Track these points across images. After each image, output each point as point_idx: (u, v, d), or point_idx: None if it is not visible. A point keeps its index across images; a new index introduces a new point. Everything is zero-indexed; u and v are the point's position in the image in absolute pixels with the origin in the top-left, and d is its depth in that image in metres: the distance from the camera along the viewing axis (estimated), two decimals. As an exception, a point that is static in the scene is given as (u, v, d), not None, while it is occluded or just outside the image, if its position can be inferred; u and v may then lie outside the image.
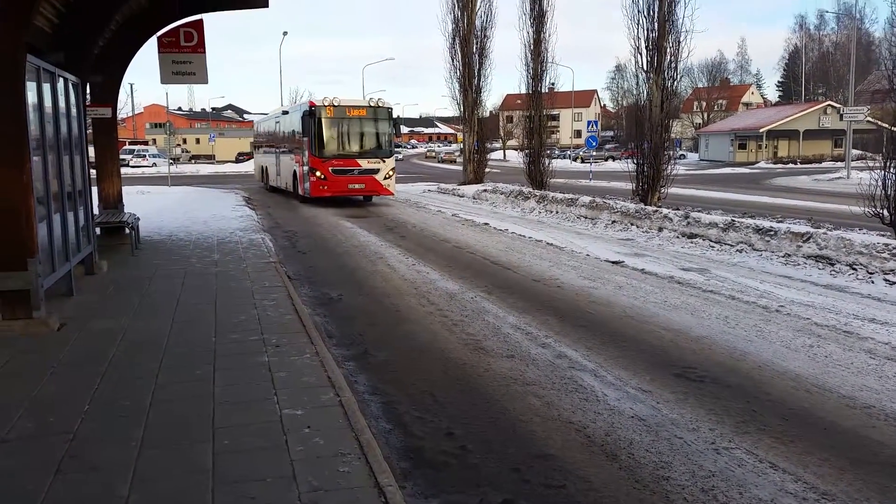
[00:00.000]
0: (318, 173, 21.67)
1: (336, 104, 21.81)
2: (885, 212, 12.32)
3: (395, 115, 23.09)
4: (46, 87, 8.01)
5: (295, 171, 24.26)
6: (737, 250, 12.31)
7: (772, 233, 12.25)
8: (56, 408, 5.02)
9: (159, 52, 12.92)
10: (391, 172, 22.69)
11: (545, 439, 4.84)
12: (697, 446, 4.70)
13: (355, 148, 22.41)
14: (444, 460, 4.55)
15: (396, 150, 27.71)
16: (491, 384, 5.91)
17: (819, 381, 5.91)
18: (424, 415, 5.29)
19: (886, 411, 5.28)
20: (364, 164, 22.09)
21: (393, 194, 23.19)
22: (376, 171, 22.27)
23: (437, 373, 6.25)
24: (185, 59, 12.97)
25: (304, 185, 22.84)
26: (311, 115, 21.73)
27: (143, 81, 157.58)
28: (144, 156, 59.92)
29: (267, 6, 12.64)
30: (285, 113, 27.04)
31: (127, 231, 12.54)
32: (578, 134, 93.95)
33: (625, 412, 5.26)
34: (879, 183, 12.40)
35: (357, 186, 22.19)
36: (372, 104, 22.48)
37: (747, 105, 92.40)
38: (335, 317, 8.21)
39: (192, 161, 70.52)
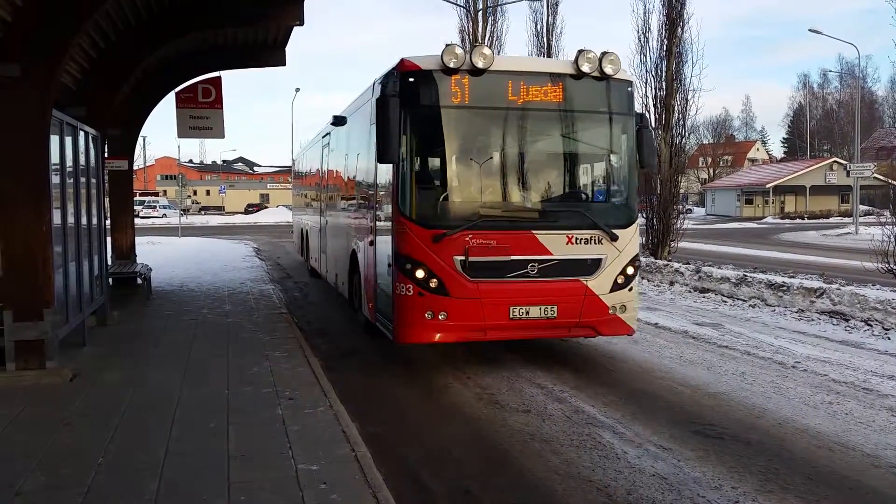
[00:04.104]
0: (420, 274, 7.33)
1: (482, 63, 7.29)
2: (899, 267, 12.29)
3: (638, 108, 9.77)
4: (68, 140, 8.17)
5: (355, 257, 9.87)
6: (749, 305, 12.24)
7: (784, 288, 12.20)
8: (69, 460, 4.97)
9: (177, 107, 13.21)
10: (632, 269, 8.02)
11: (565, 499, 4.75)
12: (721, 506, 4.60)
13: (531, 196, 7.99)
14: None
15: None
16: (507, 440, 5.82)
17: (841, 439, 5.80)
18: (441, 471, 5.22)
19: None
20: (558, 245, 7.61)
21: (632, 331, 8.18)
22: (595, 264, 7.77)
23: (452, 427, 6.18)
24: (202, 115, 13.26)
25: (375, 297, 8.58)
26: (405, 96, 7.29)
27: (155, 134, 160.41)
28: (155, 206, 60.67)
29: (284, 65, 12.94)
30: (338, 122, 11.17)
31: (139, 282, 12.60)
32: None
33: (646, 470, 5.16)
34: (892, 239, 12.39)
35: (535, 313, 7.55)
36: (587, 68, 7.63)
37: (753, 161, 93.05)
38: (348, 369, 8.15)
39: (202, 212, 71.20)
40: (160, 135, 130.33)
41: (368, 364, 8.45)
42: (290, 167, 74.49)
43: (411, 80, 7.33)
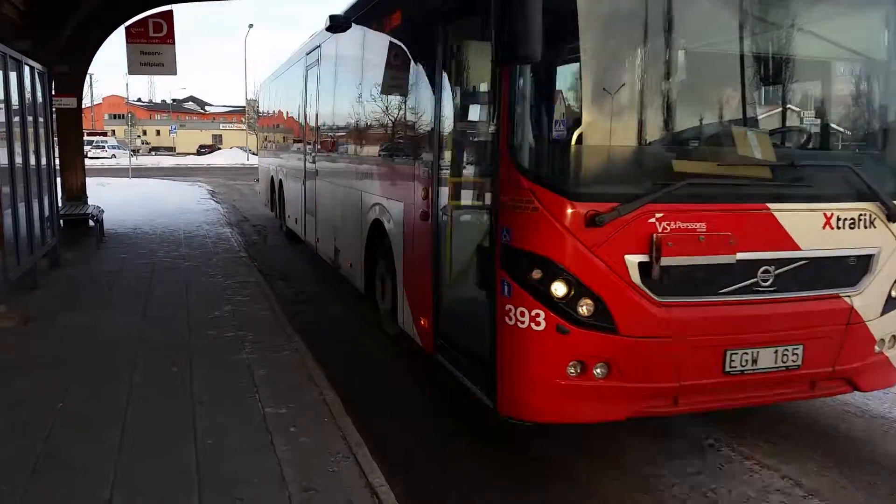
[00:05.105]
0: (560, 289, 3.85)
1: None
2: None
3: None
4: (13, 76, 7.77)
5: (380, 231, 6.54)
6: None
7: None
8: (28, 406, 4.84)
9: (127, 42, 12.65)
10: None
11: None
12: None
13: (761, 140, 4.31)
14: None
15: None
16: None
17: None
18: (406, 411, 5.27)
19: (862, 408, 5.38)
20: (810, 231, 4.16)
21: None
22: (862, 265, 4.37)
23: (418, 363, 6.20)
24: (153, 51, 12.73)
25: (436, 312, 5.16)
26: None
27: (103, 72, 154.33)
28: (104, 147, 58.80)
29: (239, -3, 12.44)
30: (339, 26, 7.61)
31: (92, 223, 12.25)
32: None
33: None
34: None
35: (767, 361, 4.15)
36: None
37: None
38: (312, 313, 8.09)
39: (153, 153, 69.31)
40: (107, 72, 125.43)
41: (332, 308, 8.40)
42: (243, 107, 72.56)
43: None
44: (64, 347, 6.18)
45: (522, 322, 3.91)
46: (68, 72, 11.87)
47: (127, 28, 12.67)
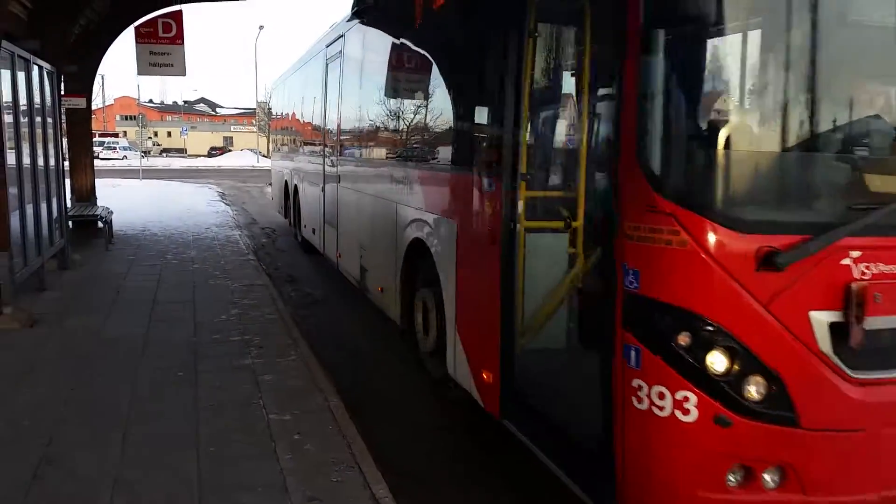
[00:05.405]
0: (720, 363, 2.73)
1: None
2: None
3: None
4: (21, 76, 7.74)
5: (424, 255, 5.34)
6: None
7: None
8: (31, 410, 4.78)
9: (136, 42, 12.66)
10: None
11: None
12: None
13: None
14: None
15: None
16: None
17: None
18: (413, 415, 5.17)
19: None
20: None
21: None
22: None
23: (414, 371, 6.11)
24: (163, 51, 12.73)
25: (501, 369, 3.96)
26: None
27: (114, 73, 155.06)
28: (115, 148, 59.17)
29: (249, -2, 12.42)
30: (365, 11, 7.14)
31: (101, 225, 12.24)
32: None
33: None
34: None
35: None
36: None
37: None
38: (319, 318, 8.02)
39: (164, 154, 69.65)
40: (118, 73, 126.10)
41: (339, 313, 8.32)
42: (254, 109, 72.78)
43: None
44: (69, 350, 6.12)
45: (661, 408, 2.79)
46: (78, 72, 11.86)
47: (136, 28, 12.68)
